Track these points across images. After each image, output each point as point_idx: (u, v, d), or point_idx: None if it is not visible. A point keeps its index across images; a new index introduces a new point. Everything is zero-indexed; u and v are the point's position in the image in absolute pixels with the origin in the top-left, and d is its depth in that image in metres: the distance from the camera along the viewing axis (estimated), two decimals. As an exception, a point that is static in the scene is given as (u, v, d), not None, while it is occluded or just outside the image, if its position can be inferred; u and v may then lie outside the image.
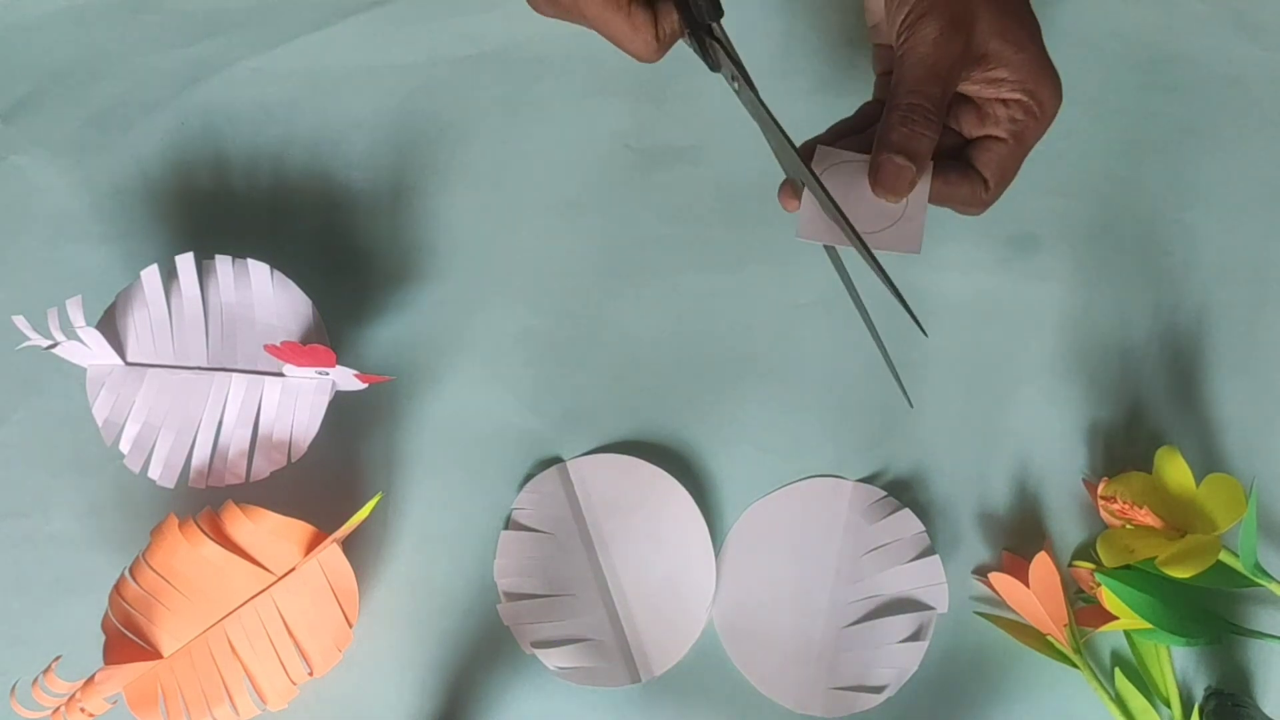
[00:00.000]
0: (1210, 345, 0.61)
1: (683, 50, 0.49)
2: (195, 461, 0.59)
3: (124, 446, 0.59)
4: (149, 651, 0.54)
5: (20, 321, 0.56)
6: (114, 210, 0.65)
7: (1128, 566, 0.55)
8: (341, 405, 0.60)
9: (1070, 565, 0.59)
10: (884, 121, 0.48)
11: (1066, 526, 0.60)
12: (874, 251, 0.48)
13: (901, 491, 0.60)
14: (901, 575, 0.59)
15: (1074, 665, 0.57)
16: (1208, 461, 0.60)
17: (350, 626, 0.56)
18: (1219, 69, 0.64)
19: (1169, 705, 0.56)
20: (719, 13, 0.47)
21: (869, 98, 0.54)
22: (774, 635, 0.59)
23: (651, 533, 0.60)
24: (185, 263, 0.59)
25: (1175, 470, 0.57)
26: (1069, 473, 0.60)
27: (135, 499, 0.60)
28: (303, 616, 0.55)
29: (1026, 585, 0.56)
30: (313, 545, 0.55)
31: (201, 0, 0.67)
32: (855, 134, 0.51)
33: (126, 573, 0.55)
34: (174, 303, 0.59)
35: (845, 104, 0.53)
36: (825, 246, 0.51)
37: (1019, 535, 0.60)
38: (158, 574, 0.54)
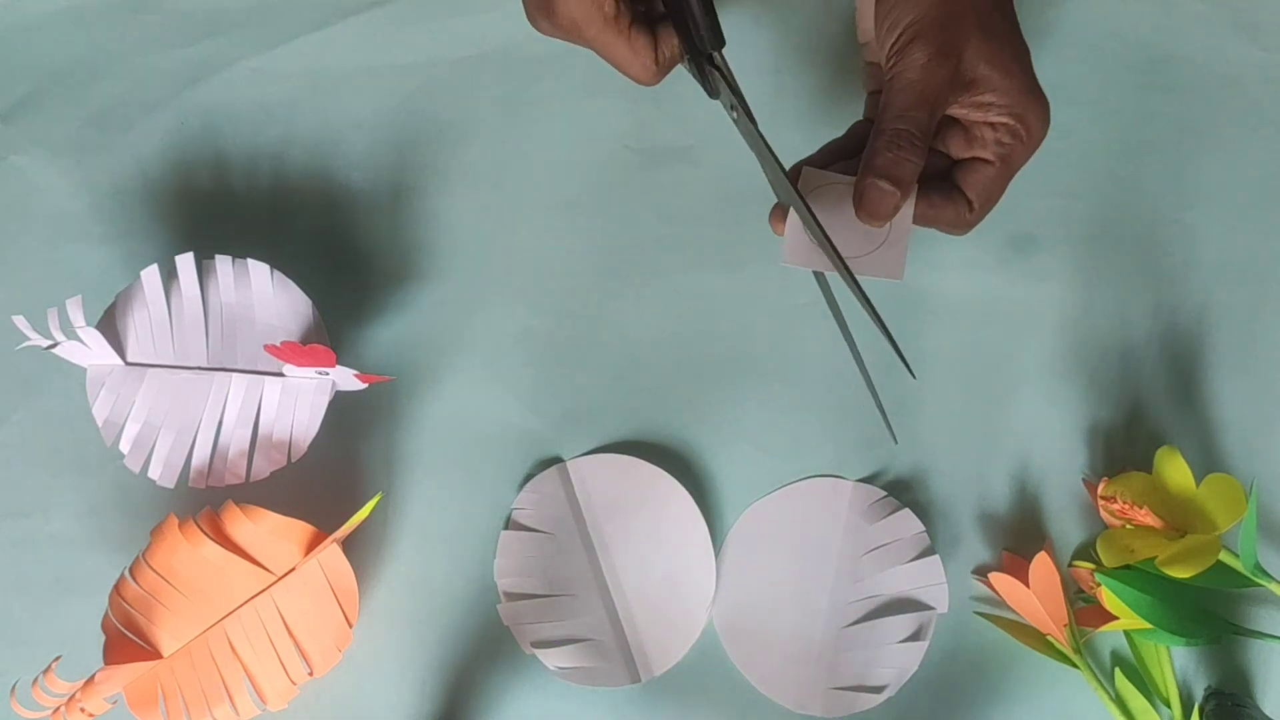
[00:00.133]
0: (1210, 345, 0.61)
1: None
2: (195, 461, 0.59)
3: (124, 446, 0.59)
4: (149, 651, 0.54)
5: (20, 321, 0.56)
6: (114, 210, 0.65)
7: (1128, 566, 0.55)
8: (341, 405, 0.60)
9: (1070, 565, 0.59)
10: (870, 146, 0.48)
11: (1066, 526, 0.60)
12: (858, 277, 0.48)
13: (901, 491, 0.60)
14: (901, 575, 0.59)
15: (1074, 665, 0.57)
16: (1208, 461, 0.60)
17: (350, 626, 0.56)
18: (1217, 69, 0.64)
19: (1169, 705, 0.56)
20: (720, 42, 0.47)
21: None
22: (774, 635, 0.59)
23: (651, 533, 0.60)
24: (185, 263, 0.59)
25: (1175, 470, 0.57)
26: (1069, 473, 0.60)
27: (135, 499, 0.60)
28: (303, 616, 0.55)
29: (1026, 585, 0.56)
30: (313, 545, 0.55)
31: (201, 0, 0.67)
32: (846, 158, 0.51)
33: (126, 573, 0.55)
34: (174, 303, 0.59)
35: (836, 130, 0.53)
36: (813, 272, 0.52)
37: (1019, 535, 0.60)
38: (158, 574, 0.54)
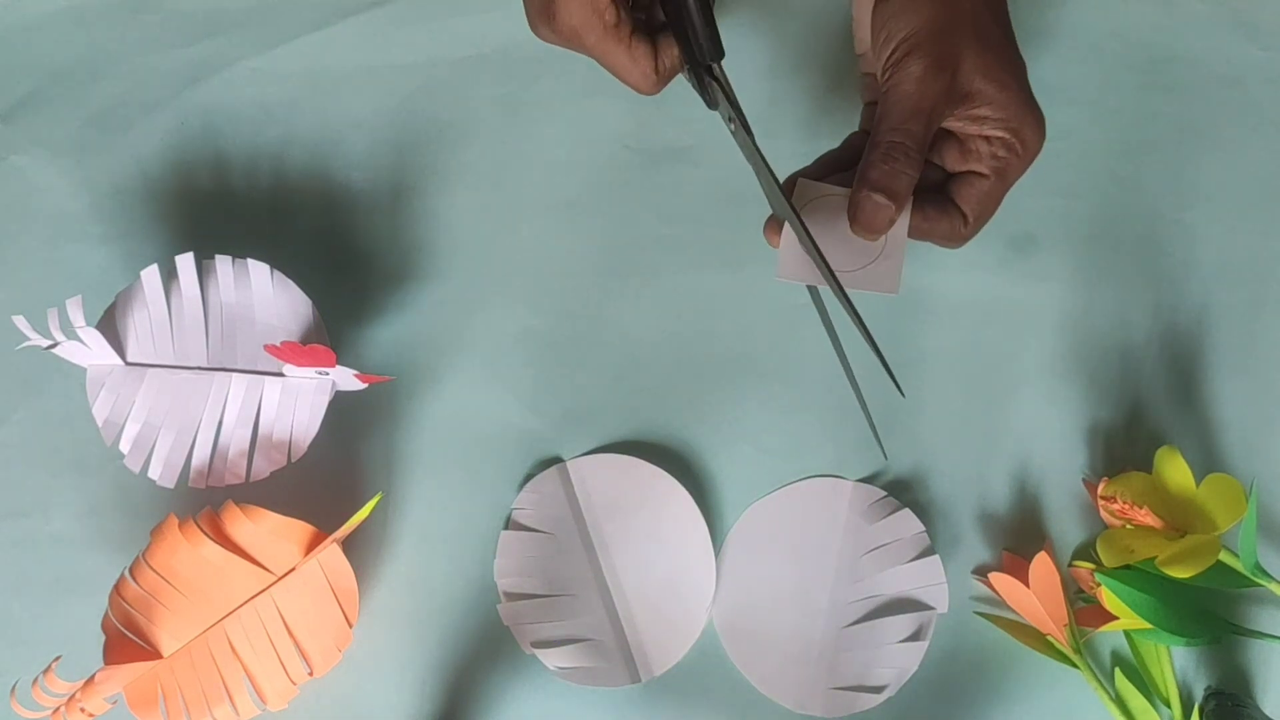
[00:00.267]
0: (1210, 345, 0.61)
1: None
2: (195, 461, 0.59)
3: (124, 446, 0.59)
4: (149, 651, 0.54)
5: (20, 321, 0.56)
6: (114, 210, 0.65)
7: (1128, 566, 0.55)
8: (341, 405, 0.60)
9: (1070, 565, 0.59)
10: (865, 158, 0.48)
11: (1066, 526, 0.60)
12: (853, 290, 0.48)
13: (901, 491, 0.60)
14: (901, 575, 0.59)
15: (1074, 665, 0.57)
16: (1208, 461, 0.60)
17: (350, 626, 0.56)
18: (1218, 69, 0.64)
19: (1169, 705, 0.56)
20: (720, 53, 0.48)
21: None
22: (774, 635, 0.59)
23: (651, 533, 0.60)
24: (185, 263, 0.59)
25: (1175, 470, 0.57)
26: (1069, 473, 0.60)
27: (135, 499, 0.60)
28: (303, 616, 0.55)
29: (1026, 585, 0.56)
30: (313, 545, 0.55)
31: (201, 0, 0.67)
32: (842, 170, 0.51)
33: (126, 573, 0.55)
34: (174, 303, 0.59)
35: (832, 139, 0.53)
36: (807, 287, 0.52)
37: (1019, 535, 0.60)
38: (158, 574, 0.54)
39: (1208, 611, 0.56)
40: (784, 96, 0.65)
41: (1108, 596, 0.55)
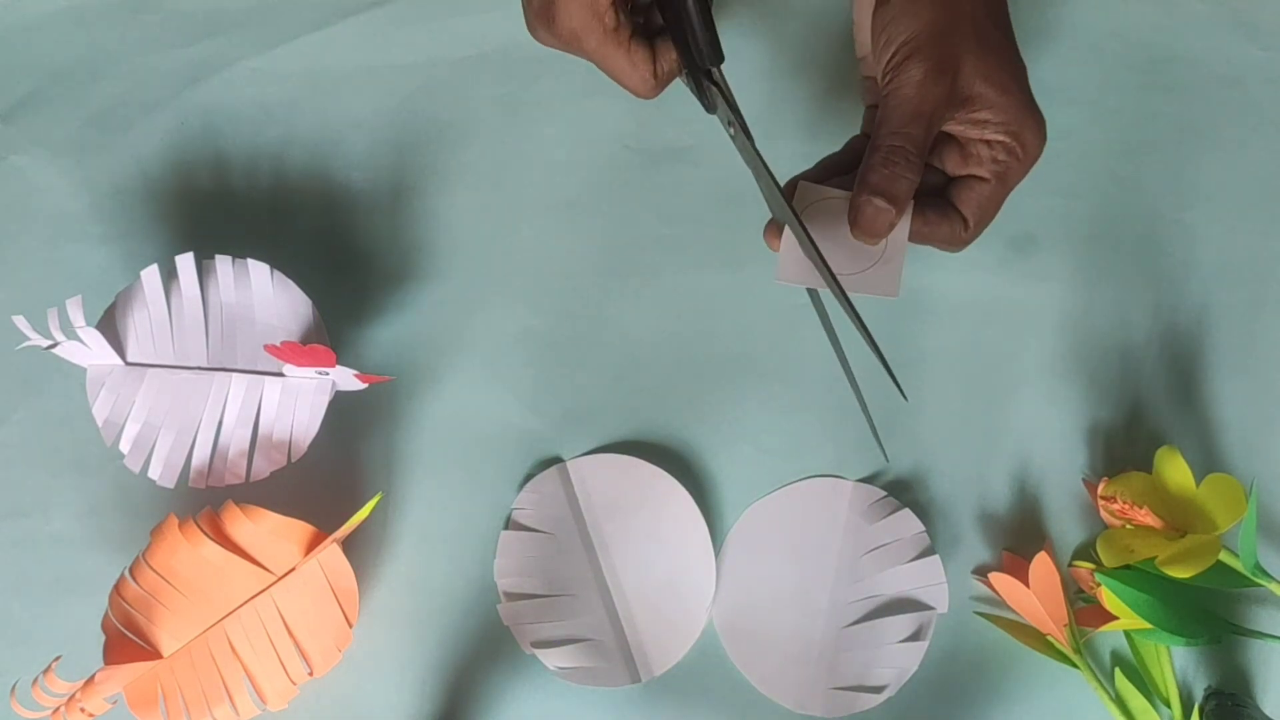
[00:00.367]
0: (1210, 345, 0.61)
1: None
2: (195, 461, 0.59)
3: (124, 446, 0.59)
4: (149, 651, 0.54)
5: (20, 321, 0.56)
6: (114, 210, 0.65)
7: (1128, 566, 0.55)
8: (341, 405, 0.60)
9: (1070, 565, 0.59)
10: (865, 162, 0.48)
11: (1066, 526, 0.60)
12: (853, 294, 0.48)
13: (901, 491, 0.60)
14: (901, 575, 0.59)
15: (1074, 665, 0.57)
16: (1208, 461, 0.60)
17: (350, 626, 0.56)
18: (1218, 69, 0.64)
19: (1169, 705, 0.56)
20: (719, 58, 0.47)
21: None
22: (774, 635, 0.59)
23: (651, 533, 0.60)
24: (185, 263, 0.59)
25: (1175, 470, 0.57)
26: (1069, 473, 0.60)
27: (135, 499, 0.60)
28: (303, 616, 0.55)
29: (1026, 585, 0.56)
30: (313, 545, 0.55)
31: (201, 0, 0.67)
32: (843, 173, 0.51)
33: (126, 573, 0.55)
34: (174, 303, 0.59)
35: (832, 141, 0.53)
36: (807, 290, 0.52)
37: (1019, 535, 0.60)
38: (158, 574, 0.54)
39: (1208, 611, 0.56)
40: (783, 98, 0.65)
41: (1108, 596, 0.55)
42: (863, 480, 0.60)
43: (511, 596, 0.59)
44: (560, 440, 0.61)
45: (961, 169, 0.50)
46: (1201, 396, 0.61)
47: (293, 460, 0.59)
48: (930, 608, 0.58)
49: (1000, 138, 0.49)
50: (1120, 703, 0.57)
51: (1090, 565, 0.56)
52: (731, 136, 0.49)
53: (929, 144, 0.48)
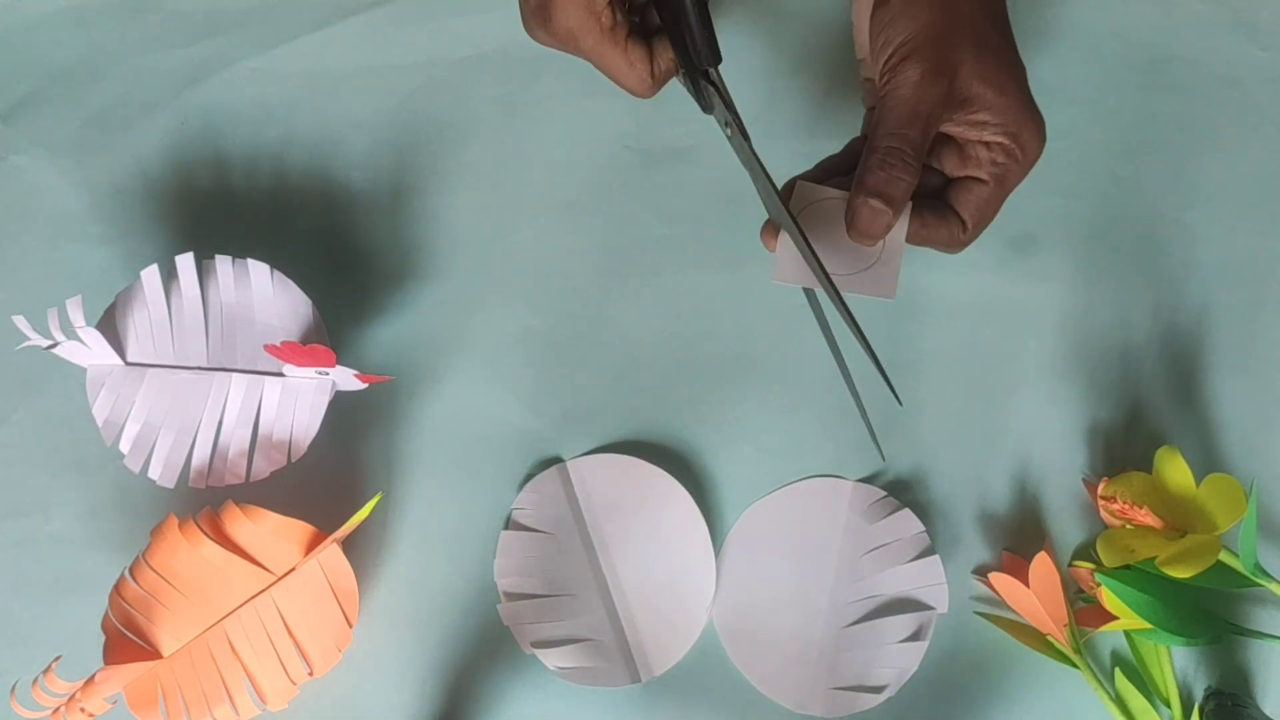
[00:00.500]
0: (1210, 345, 0.61)
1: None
2: (195, 461, 0.59)
3: (124, 446, 0.59)
4: (149, 651, 0.54)
5: (20, 321, 0.56)
6: (114, 210, 0.65)
7: (1128, 566, 0.55)
8: (341, 405, 0.60)
9: (1070, 565, 0.59)
10: (862, 164, 0.48)
11: (1066, 526, 0.60)
12: (849, 294, 0.48)
13: (901, 491, 0.60)
14: (901, 575, 0.59)
15: (1074, 665, 0.57)
16: (1208, 461, 0.60)
17: (350, 626, 0.56)
18: (1218, 69, 0.64)
19: (1169, 705, 0.56)
20: (717, 59, 0.47)
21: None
22: (774, 635, 0.59)
23: (651, 533, 0.60)
24: (185, 263, 0.59)
25: (1175, 470, 0.57)
26: (1069, 473, 0.60)
27: (135, 499, 0.60)
28: (303, 616, 0.55)
29: (1026, 585, 0.56)
30: (313, 545, 0.55)
31: (201, 0, 0.67)
32: (843, 174, 0.51)
33: (126, 573, 0.55)
34: (174, 303, 0.59)
35: (830, 141, 0.53)
36: (804, 290, 0.51)
37: (1019, 535, 0.60)
38: (158, 574, 0.54)
39: (1208, 611, 0.56)
40: (782, 98, 0.65)
41: (1108, 596, 0.55)
42: (863, 480, 0.60)
43: (511, 596, 0.59)
44: (560, 440, 0.61)
45: (960, 170, 0.50)
46: (1201, 396, 0.61)
47: (293, 460, 0.59)
48: (930, 608, 0.58)
49: (999, 139, 0.48)
50: (1120, 703, 0.57)
51: (1090, 565, 0.56)
52: (728, 137, 0.49)
53: (927, 145, 0.48)
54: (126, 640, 0.54)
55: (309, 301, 0.60)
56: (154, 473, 0.58)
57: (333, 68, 0.66)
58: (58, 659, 0.52)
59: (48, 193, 0.65)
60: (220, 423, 0.59)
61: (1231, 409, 0.61)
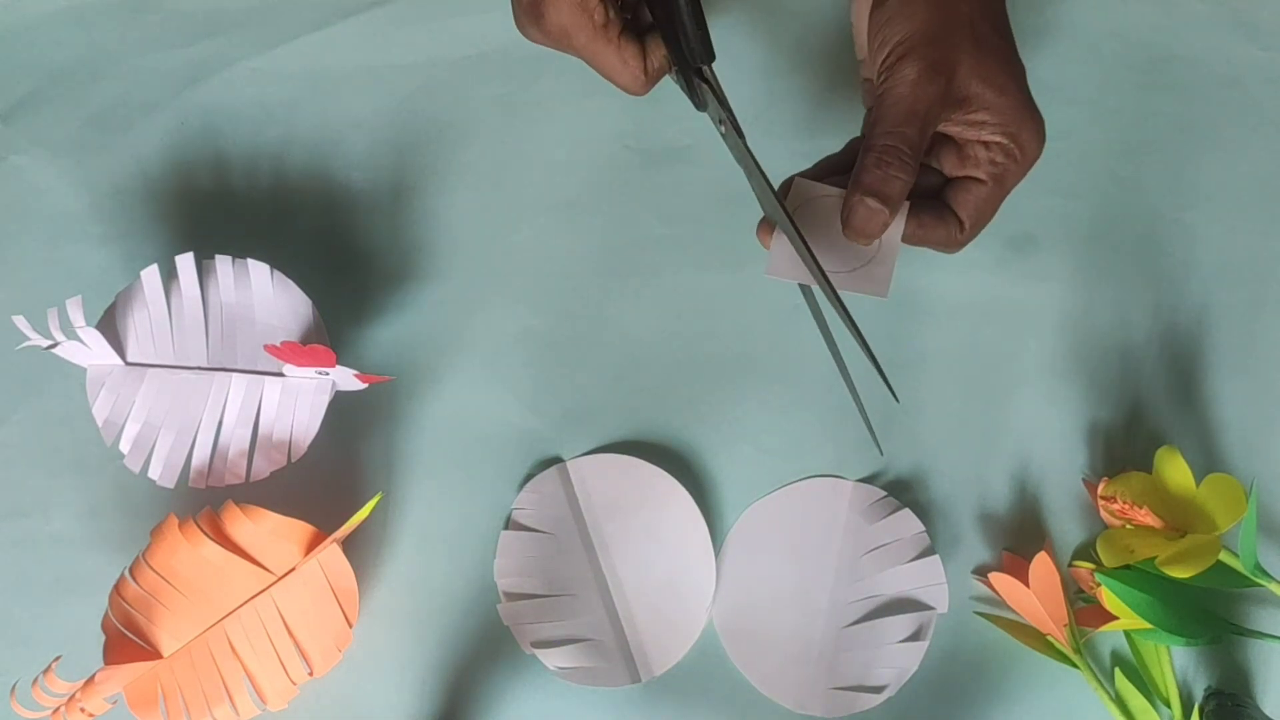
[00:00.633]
0: (1210, 345, 0.61)
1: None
2: (195, 461, 0.59)
3: (124, 446, 0.59)
4: (149, 651, 0.54)
5: (20, 321, 0.56)
6: (114, 210, 0.65)
7: (1128, 566, 0.55)
8: (341, 405, 0.60)
9: (1070, 565, 0.59)
10: (859, 162, 0.48)
11: (1066, 526, 0.60)
12: (843, 291, 0.48)
13: (901, 491, 0.60)
14: (901, 575, 0.59)
15: (1074, 665, 0.57)
16: (1208, 461, 0.60)
17: (350, 626, 0.56)
18: (1217, 69, 0.64)
19: (1169, 705, 0.56)
20: (710, 56, 0.47)
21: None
22: (774, 635, 0.59)
23: (651, 533, 0.60)
24: (185, 263, 0.59)
25: (1175, 470, 0.57)
26: (1069, 473, 0.60)
27: (135, 499, 0.60)
28: (303, 616, 0.55)
29: (1026, 585, 0.56)
30: (313, 545, 0.55)
31: (201, 0, 0.67)
32: (842, 173, 0.50)
33: (126, 573, 0.55)
34: (174, 303, 0.59)
35: (829, 140, 0.53)
36: (800, 285, 0.52)
37: (1019, 535, 0.60)
38: (158, 574, 0.54)
39: (1208, 611, 0.56)
40: (780, 97, 0.65)
41: (1108, 596, 0.55)
42: (863, 480, 0.60)
43: (511, 596, 0.59)
44: (560, 440, 0.61)
45: (959, 170, 0.50)
46: (1201, 396, 0.61)
47: (293, 460, 0.59)
48: (930, 608, 0.58)
49: (998, 139, 0.48)
50: (1120, 703, 0.57)
51: (1090, 565, 0.56)
52: (723, 135, 0.49)
53: (924, 144, 0.48)
54: (126, 640, 0.54)
55: (309, 301, 0.60)
56: (154, 473, 0.58)
57: (333, 68, 0.66)
58: (58, 659, 0.52)
59: (48, 193, 0.65)
60: (220, 423, 0.59)
61: (1231, 409, 0.61)
